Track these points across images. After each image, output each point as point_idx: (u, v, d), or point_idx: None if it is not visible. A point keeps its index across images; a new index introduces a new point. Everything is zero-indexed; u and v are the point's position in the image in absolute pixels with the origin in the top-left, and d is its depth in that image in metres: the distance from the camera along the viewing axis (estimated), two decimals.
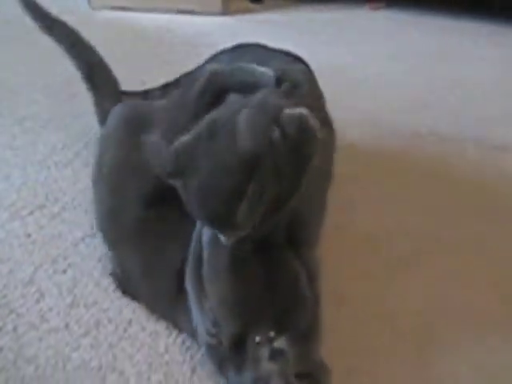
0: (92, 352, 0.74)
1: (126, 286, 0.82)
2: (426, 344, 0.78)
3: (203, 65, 1.04)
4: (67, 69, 1.49)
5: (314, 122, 0.59)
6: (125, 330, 0.77)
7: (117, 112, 0.89)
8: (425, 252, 0.95)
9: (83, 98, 1.35)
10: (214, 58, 1.04)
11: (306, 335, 0.64)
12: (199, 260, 0.67)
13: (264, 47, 0.99)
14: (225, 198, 0.57)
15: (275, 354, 0.61)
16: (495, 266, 0.94)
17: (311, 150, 0.59)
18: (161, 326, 0.78)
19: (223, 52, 1.03)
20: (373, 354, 0.77)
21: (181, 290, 0.71)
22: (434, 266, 0.92)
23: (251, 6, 2.25)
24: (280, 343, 0.62)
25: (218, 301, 0.65)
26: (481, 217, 1.04)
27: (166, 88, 1.12)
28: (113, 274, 0.84)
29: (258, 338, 0.62)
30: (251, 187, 0.55)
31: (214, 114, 0.62)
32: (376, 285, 0.87)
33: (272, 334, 0.62)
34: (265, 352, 0.61)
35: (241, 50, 1.00)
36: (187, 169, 0.59)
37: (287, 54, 0.97)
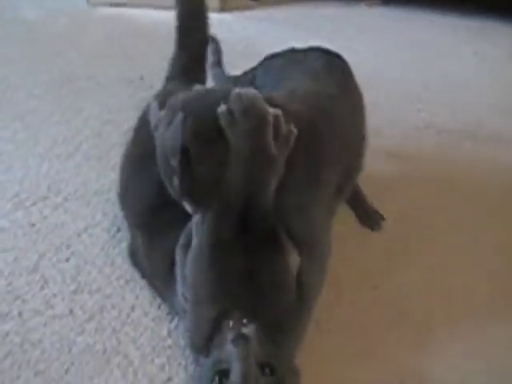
0: (96, 336, 0.76)
1: (135, 259, 0.84)
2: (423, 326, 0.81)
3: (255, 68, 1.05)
4: (67, 65, 1.52)
5: (263, 107, 0.62)
6: (128, 316, 0.79)
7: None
8: (421, 239, 0.97)
9: (83, 94, 1.37)
10: (265, 62, 1.04)
11: (280, 328, 0.64)
12: (189, 238, 0.69)
13: (300, 52, 1.00)
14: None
15: (238, 338, 0.61)
16: (489, 253, 0.96)
17: (261, 132, 0.61)
18: (163, 312, 0.80)
19: (274, 56, 1.03)
20: (370, 335, 0.79)
21: (172, 270, 0.72)
22: (430, 253, 0.95)
23: (249, 2, 2.27)
24: (248, 330, 0.62)
25: (198, 280, 0.65)
26: (476, 205, 1.07)
27: None
28: (129, 246, 0.87)
29: (231, 323, 0.63)
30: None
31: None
32: (374, 270, 0.89)
33: (245, 320, 0.63)
34: (230, 336, 0.62)
35: (288, 55, 1.01)
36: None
37: (326, 52, 0.99)
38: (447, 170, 1.18)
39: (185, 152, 0.62)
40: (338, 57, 0.99)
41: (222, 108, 0.62)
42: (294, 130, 0.65)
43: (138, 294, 0.82)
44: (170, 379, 0.71)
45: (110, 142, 1.16)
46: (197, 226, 0.66)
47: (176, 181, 0.63)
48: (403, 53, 1.88)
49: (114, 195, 1.00)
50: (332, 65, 0.96)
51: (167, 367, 0.72)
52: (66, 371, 0.71)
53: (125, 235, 0.92)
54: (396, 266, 0.91)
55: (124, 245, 0.90)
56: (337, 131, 0.79)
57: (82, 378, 0.71)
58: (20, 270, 0.85)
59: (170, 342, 0.76)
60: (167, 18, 2.00)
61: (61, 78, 1.43)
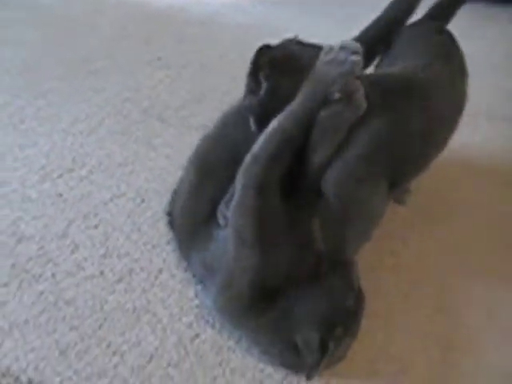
0: (126, 296, 0.79)
1: (171, 219, 0.89)
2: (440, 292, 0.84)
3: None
4: (85, 48, 1.55)
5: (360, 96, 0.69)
6: (156, 278, 0.82)
7: None
8: (439, 212, 0.99)
9: (102, 75, 1.40)
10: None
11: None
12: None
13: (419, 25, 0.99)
14: None
15: None
16: (503, 227, 0.98)
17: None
18: (189, 275, 0.83)
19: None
20: (389, 300, 0.82)
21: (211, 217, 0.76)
22: (450, 225, 0.97)
23: None
24: None
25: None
26: (492, 182, 1.09)
27: None
28: (168, 204, 0.92)
29: None
30: None
31: None
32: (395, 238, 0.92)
33: None
34: None
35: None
36: None
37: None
38: (464, 149, 1.20)
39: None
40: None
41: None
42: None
43: (165, 258, 0.85)
44: (197, 336, 0.74)
45: (131, 119, 1.18)
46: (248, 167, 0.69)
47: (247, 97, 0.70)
48: None
49: (137, 167, 1.04)
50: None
51: (195, 325, 0.76)
52: (99, 327, 0.74)
53: (149, 205, 0.95)
54: (416, 236, 0.94)
55: (149, 214, 0.93)
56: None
57: (114, 333, 0.74)
58: (51, 236, 0.88)
59: (196, 302, 0.79)
60: (182, 2, 2.03)
61: (80, 60, 1.46)
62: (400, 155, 0.75)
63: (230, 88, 1.31)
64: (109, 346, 0.72)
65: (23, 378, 0.67)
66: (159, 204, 0.95)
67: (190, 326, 0.76)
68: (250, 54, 1.46)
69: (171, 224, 0.89)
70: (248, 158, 0.70)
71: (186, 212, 0.83)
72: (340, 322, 0.66)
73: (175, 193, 0.90)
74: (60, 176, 1.01)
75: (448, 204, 1.02)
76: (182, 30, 1.63)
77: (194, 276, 0.82)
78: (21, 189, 0.97)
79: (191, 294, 0.80)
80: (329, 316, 0.66)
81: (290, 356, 0.68)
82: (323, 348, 0.65)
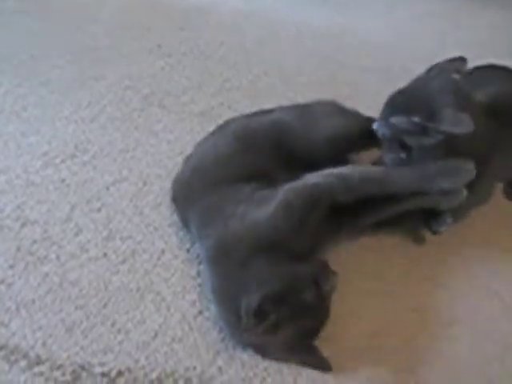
0: (130, 276, 0.81)
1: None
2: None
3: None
4: (87, 37, 1.55)
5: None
6: (158, 258, 0.84)
7: None
8: None
9: (104, 63, 1.41)
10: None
11: None
12: None
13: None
14: None
15: None
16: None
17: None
18: (192, 255, 0.84)
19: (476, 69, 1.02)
20: (390, 277, 0.83)
21: None
22: None
23: None
24: None
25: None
26: None
27: None
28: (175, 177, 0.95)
29: None
30: None
31: None
32: None
33: None
34: None
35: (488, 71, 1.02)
36: None
37: None
38: None
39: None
40: None
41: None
42: None
43: (166, 240, 0.87)
44: (200, 313, 0.76)
45: (132, 106, 1.19)
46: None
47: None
48: (417, 24, 1.88)
49: (139, 153, 1.05)
50: None
51: (198, 303, 0.77)
52: (104, 306, 0.76)
53: (151, 189, 0.96)
54: None
55: (151, 197, 0.95)
56: None
57: (119, 311, 0.76)
58: (54, 220, 0.90)
59: (199, 280, 0.80)
60: None
61: (82, 49, 1.46)
62: None
63: (229, 75, 1.32)
64: (114, 324, 0.74)
65: (31, 354, 0.69)
66: (160, 188, 0.96)
67: (193, 303, 0.77)
68: (249, 42, 1.46)
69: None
70: (338, 171, 0.79)
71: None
72: (288, 304, 0.68)
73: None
74: (63, 162, 1.03)
75: None
76: (182, 18, 1.64)
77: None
78: (24, 175, 0.98)
79: (193, 272, 0.81)
80: (279, 293, 0.68)
81: (233, 318, 0.70)
82: (260, 315, 0.66)
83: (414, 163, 0.80)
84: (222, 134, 0.94)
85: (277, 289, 0.68)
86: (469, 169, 0.77)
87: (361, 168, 0.82)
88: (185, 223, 0.86)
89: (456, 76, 0.82)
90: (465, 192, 0.80)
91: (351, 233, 0.83)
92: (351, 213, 0.80)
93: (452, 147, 0.77)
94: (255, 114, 1.00)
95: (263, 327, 0.66)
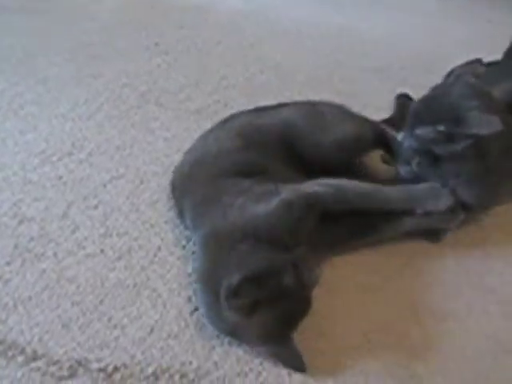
0: (126, 273, 0.81)
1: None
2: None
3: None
4: (83, 34, 1.55)
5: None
6: (155, 255, 0.84)
7: None
8: None
9: (101, 60, 1.41)
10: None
11: None
12: None
13: None
14: None
15: None
16: None
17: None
18: (188, 252, 0.85)
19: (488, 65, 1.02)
20: (384, 275, 0.84)
21: None
22: None
23: None
24: None
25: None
26: None
27: None
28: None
29: None
30: None
31: None
32: None
33: None
34: None
35: None
36: None
37: None
38: None
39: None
40: None
41: None
42: None
43: (163, 237, 0.87)
44: (196, 309, 0.76)
45: (129, 103, 1.20)
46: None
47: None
48: (416, 24, 1.88)
49: (136, 150, 1.05)
50: None
51: (194, 298, 0.78)
52: (100, 302, 0.77)
53: (148, 186, 0.97)
54: None
55: (148, 194, 0.95)
56: None
57: (115, 307, 0.76)
58: (51, 217, 0.90)
59: (195, 277, 0.81)
60: None
61: (79, 46, 1.46)
62: None
63: (226, 73, 1.32)
64: (110, 319, 0.74)
65: (28, 350, 0.70)
66: (157, 185, 0.97)
67: (189, 300, 0.78)
68: (247, 40, 1.46)
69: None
70: (336, 182, 0.83)
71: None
72: (267, 286, 0.68)
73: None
74: (60, 159, 1.03)
75: None
76: (180, 16, 1.64)
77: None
78: (22, 172, 0.99)
79: (189, 269, 0.82)
80: (258, 274, 0.69)
81: (213, 299, 0.71)
82: (238, 294, 0.67)
83: (440, 175, 0.83)
84: (225, 129, 0.96)
85: (256, 270, 0.69)
86: (446, 194, 0.82)
87: (355, 182, 0.85)
88: (180, 214, 0.87)
89: (473, 79, 0.82)
90: (462, 215, 0.83)
91: (346, 250, 0.86)
92: (349, 232, 0.84)
93: (482, 150, 0.78)
94: (260, 109, 1.01)
95: (240, 305, 0.67)
